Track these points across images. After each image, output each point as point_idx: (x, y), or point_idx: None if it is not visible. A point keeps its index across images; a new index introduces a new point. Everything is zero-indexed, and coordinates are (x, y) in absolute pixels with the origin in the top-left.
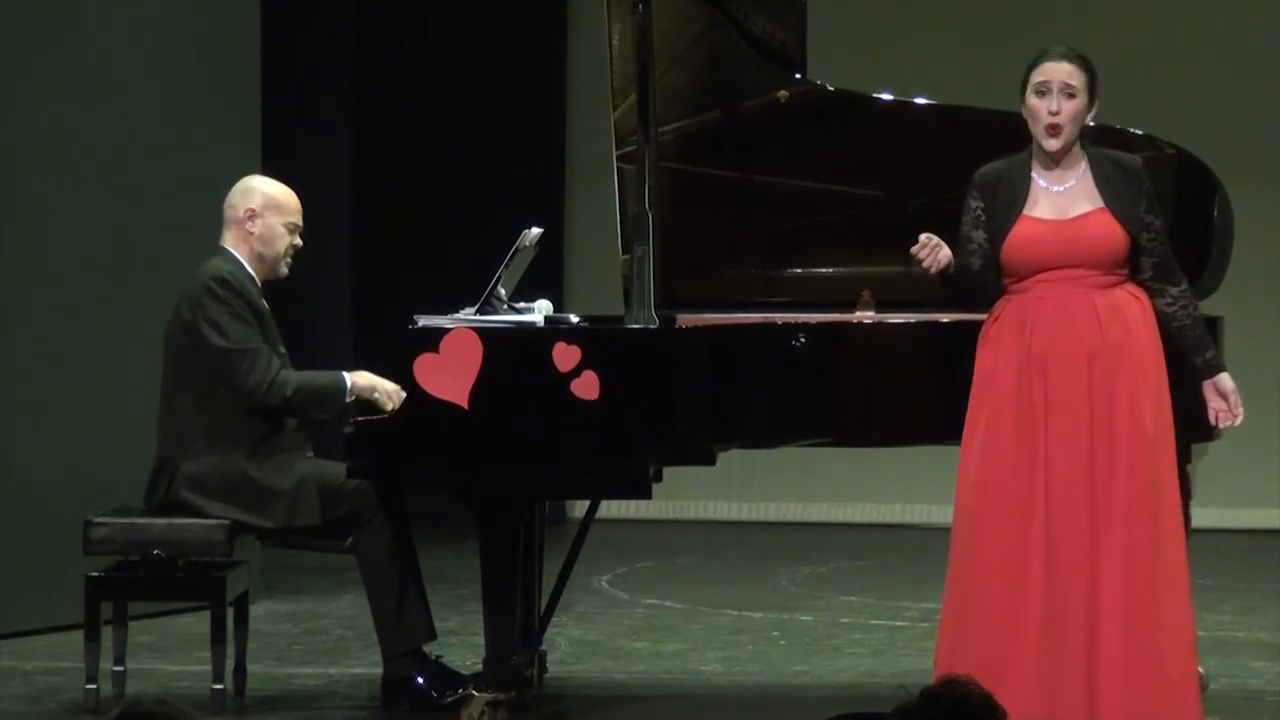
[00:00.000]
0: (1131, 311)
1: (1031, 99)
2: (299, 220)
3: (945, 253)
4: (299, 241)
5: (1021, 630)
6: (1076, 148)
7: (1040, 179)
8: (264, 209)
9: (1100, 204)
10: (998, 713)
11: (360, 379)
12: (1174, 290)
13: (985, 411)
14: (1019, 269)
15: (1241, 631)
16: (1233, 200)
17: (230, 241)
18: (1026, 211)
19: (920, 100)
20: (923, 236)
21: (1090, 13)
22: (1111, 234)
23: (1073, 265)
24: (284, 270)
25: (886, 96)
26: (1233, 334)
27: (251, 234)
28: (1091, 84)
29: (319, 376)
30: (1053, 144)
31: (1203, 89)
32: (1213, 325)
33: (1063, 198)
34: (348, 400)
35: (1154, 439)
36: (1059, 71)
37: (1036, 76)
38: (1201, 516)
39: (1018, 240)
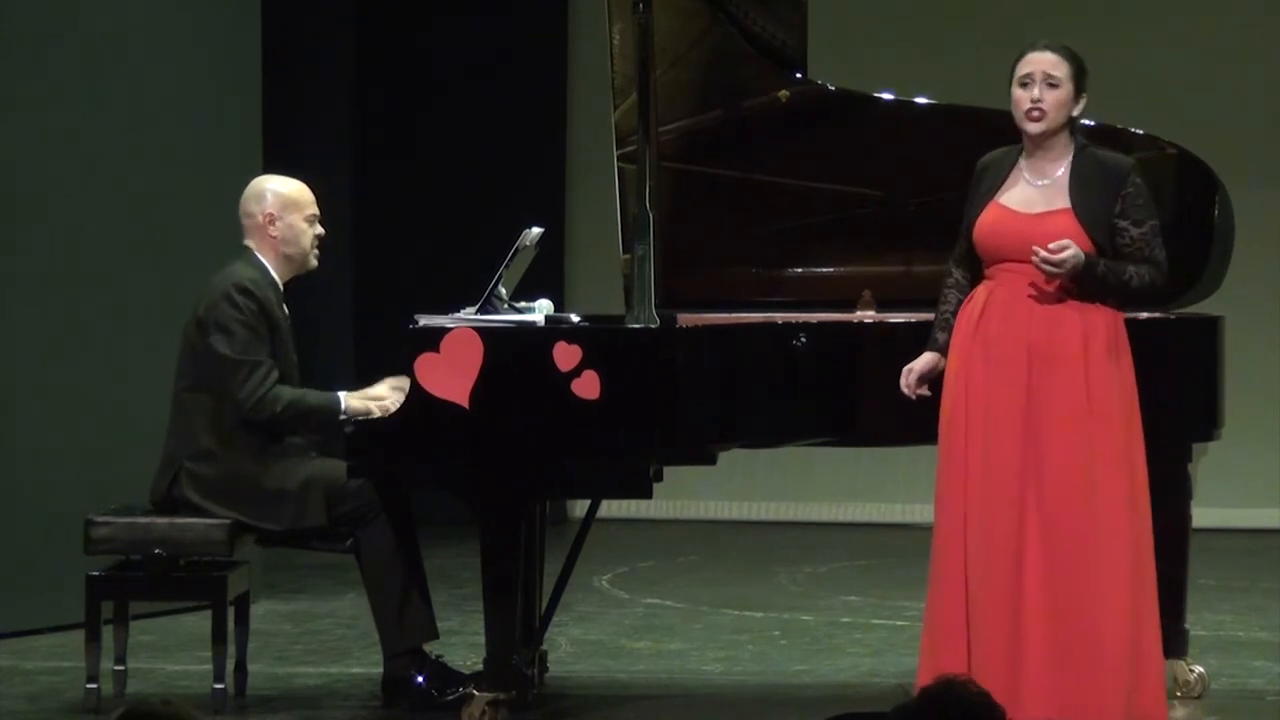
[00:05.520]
0: (1080, 315)
1: (1016, 90)
2: (316, 210)
3: (915, 375)
4: (320, 230)
5: (952, 614)
6: (1064, 142)
7: (1024, 169)
8: (282, 210)
9: (1067, 205)
10: (996, 712)
11: (355, 401)
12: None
13: (945, 398)
14: (982, 254)
15: (1242, 631)
16: (1233, 200)
17: (254, 245)
18: (998, 197)
19: (920, 100)
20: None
21: (1090, 12)
22: (1067, 235)
23: (1027, 261)
24: (313, 262)
25: (887, 96)
26: (1233, 334)
27: (275, 237)
28: (1077, 76)
29: (312, 396)
30: (1035, 126)
31: (1202, 88)
32: (1213, 325)
33: (1037, 192)
34: (341, 420)
35: (1090, 436)
36: (1042, 61)
37: (1021, 68)
38: (1201, 516)
39: (983, 224)
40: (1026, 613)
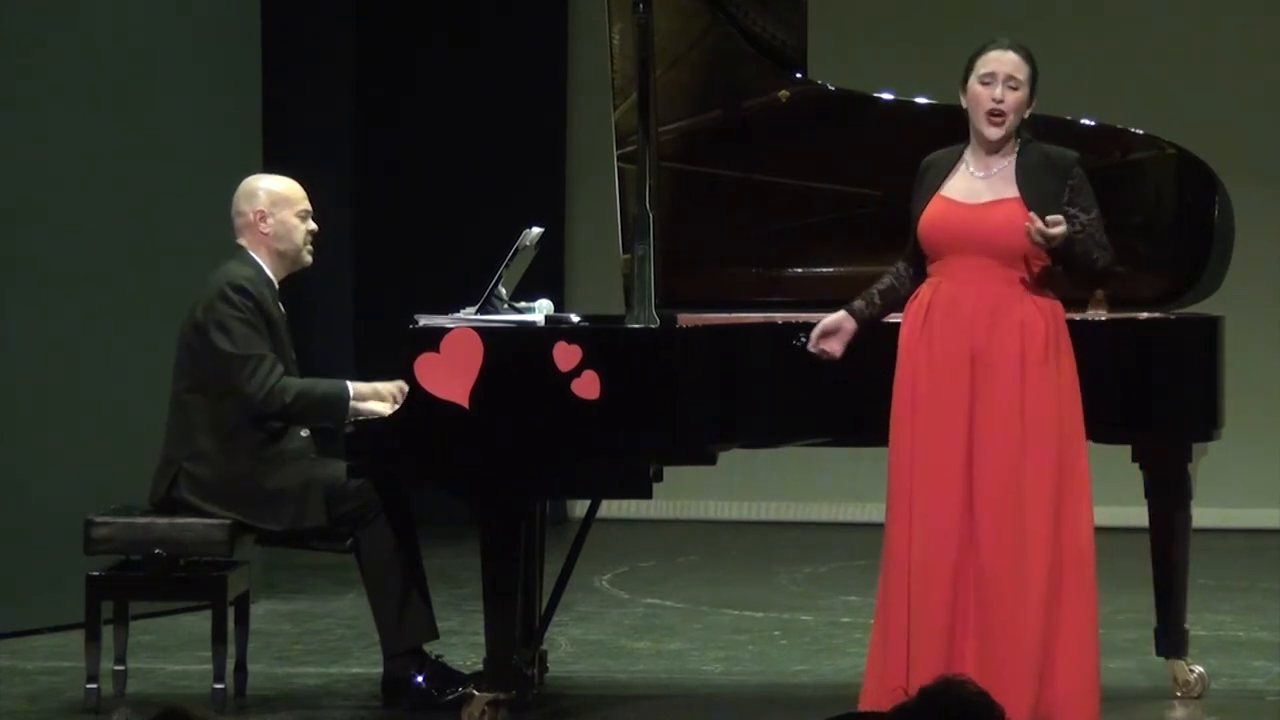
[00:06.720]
0: (1020, 314)
1: (976, 87)
2: (308, 206)
3: (819, 330)
4: (313, 226)
5: (900, 617)
6: (1011, 139)
7: (968, 163)
8: (272, 207)
9: (1014, 194)
10: (995, 711)
11: (363, 388)
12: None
13: (894, 399)
14: (927, 249)
15: (1242, 631)
16: (1233, 200)
17: (248, 244)
18: (941, 191)
19: (920, 100)
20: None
21: (1091, 11)
22: (1015, 222)
23: (973, 252)
24: (307, 259)
25: (887, 96)
26: (1233, 334)
27: (267, 234)
28: (1033, 78)
29: (321, 385)
30: (995, 132)
31: (1202, 88)
32: (1213, 325)
33: (981, 184)
34: (350, 408)
35: (1022, 441)
36: (1006, 63)
37: (982, 66)
38: (1201, 516)
39: (927, 218)
40: (960, 618)
